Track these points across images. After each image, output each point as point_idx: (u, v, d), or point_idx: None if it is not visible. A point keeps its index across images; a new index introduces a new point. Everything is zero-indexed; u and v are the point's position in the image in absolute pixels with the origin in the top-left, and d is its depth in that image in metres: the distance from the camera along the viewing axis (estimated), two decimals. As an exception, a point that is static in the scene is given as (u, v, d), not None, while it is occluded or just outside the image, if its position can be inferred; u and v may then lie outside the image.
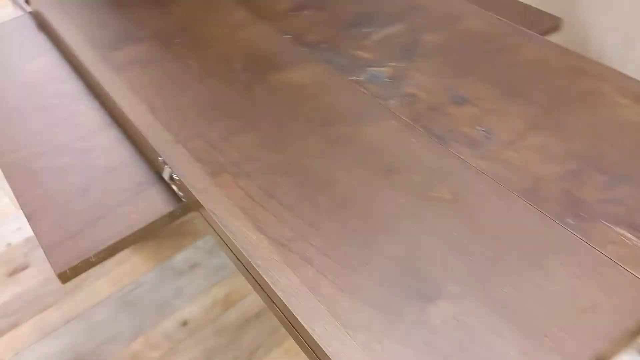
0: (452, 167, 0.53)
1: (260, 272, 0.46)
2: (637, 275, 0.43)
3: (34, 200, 0.63)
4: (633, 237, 0.46)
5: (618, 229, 0.47)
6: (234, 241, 0.49)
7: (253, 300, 1.40)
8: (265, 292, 0.47)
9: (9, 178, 0.66)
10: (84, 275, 0.68)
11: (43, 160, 0.67)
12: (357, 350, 0.40)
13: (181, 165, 0.57)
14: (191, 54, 0.72)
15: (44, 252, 0.57)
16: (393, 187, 0.52)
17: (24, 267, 1.56)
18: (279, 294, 0.44)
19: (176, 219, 0.60)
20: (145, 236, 0.59)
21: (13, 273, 1.53)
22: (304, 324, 0.42)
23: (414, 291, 0.44)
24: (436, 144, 0.56)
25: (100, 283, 1.47)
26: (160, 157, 0.59)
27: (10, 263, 1.56)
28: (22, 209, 0.62)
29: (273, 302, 0.46)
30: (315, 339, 0.41)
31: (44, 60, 0.83)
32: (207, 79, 0.67)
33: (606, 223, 0.47)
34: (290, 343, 1.30)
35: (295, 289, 0.45)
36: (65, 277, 0.55)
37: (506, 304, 0.42)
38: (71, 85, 0.78)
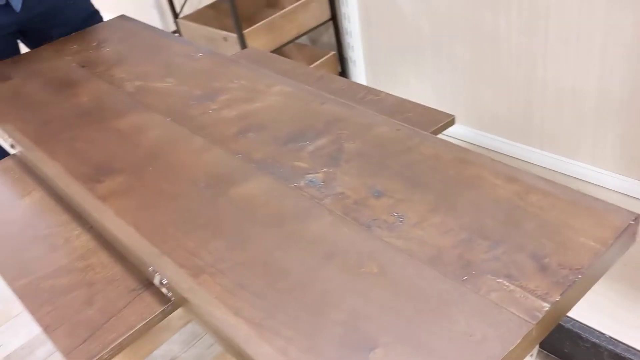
0: (376, 247, 0.70)
1: (242, 347, 0.61)
2: (514, 312, 0.61)
3: (47, 315, 0.76)
4: (510, 285, 0.64)
5: (499, 280, 0.64)
6: (218, 325, 0.64)
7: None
8: (247, 361, 0.62)
9: (22, 299, 0.79)
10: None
11: (50, 281, 0.81)
12: (319, 393, 0.56)
13: (168, 272, 0.73)
14: (163, 178, 0.89)
15: (64, 356, 0.71)
16: (333, 268, 0.69)
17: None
18: (257, 359, 0.60)
19: (167, 316, 0.75)
20: (144, 332, 0.74)
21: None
22: (278, 380, 0.57)
23: (357, 344, 0.60)
24: (363, 230, 0.73)
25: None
26: (150, 267, 0.74)
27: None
28: (38, 323, 0.76)
29: (254, 368, 0.61)
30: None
31: (34, 196, 0.99)
32: (179, 199, 0.84)
33: (490, 276, 0.65)
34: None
35: (270, 356, 0.60)
36: (83, 375, 0.68)
37: (425, 344, 0.59)
38: (62, 215, 0.93)
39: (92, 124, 1.05)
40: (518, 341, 0.58)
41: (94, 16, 1.50)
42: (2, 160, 1.11)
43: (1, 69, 1.31)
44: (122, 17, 1.49)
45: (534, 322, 0.59)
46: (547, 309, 0.60)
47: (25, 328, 1.75)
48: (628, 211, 0.68)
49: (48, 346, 1.69)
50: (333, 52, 2.06)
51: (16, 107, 1.16)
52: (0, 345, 1.72)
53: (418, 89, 1.93)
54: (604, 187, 1.60)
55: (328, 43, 2.17)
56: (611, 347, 1.23)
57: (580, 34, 1.43)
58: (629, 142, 1.50)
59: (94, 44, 1.37)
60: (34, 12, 1.35)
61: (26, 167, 1.07)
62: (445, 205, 0.75)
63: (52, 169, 0.95)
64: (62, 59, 1.32)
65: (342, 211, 0.77)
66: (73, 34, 1.43)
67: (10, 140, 1.08)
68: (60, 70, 1.27)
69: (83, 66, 1.27)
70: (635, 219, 0.67)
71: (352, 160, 0.85)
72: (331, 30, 2.09)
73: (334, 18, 2.03)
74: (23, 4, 1.30)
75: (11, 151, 1.12)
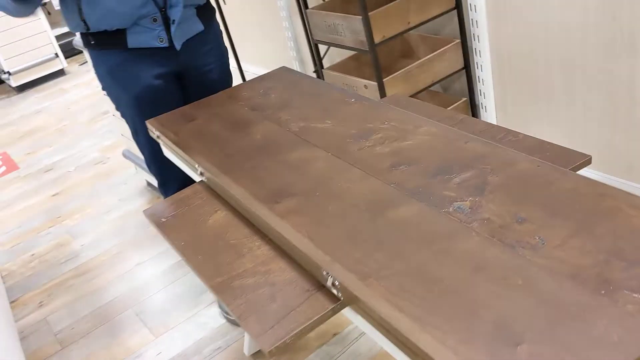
0: (520, 264, 0.81)
1: (407, 336, 0.75)
2: (649, 322, 0.69)
3: (239, 307, 0.95)
4: (645, 300, 0.72)
5: (635, 294, 0.73)
6: (384, 319, 0.78)
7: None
8: (410, 349, 0.75)
9: (218, 294, 0.98)
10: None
11: (239, 280, 1.00)
12: None
13: (339, 275, 0.88)
14: (329, 201, 1.06)
15: (255, 339, 0.88)
16: (482, 279, 0.81)
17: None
18: (420, 346, 0.72)
19: (337, 312, 0.90)
20: (316, 326, 0.89)
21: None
22: (439, 362, 0.70)
23: (505, 339, 0.71)
24: (508, 250, 0.85)
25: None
26: (324, 271, 0.90)
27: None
28: (233, 313, 0.94)
29: (416, 354, 0.74)
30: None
31: (220, 214, 1.20)
32: (344, 218, 1.00)
33: (626, 291, 0.74)
34: None
35: (431, 344, 0.73)
36: (271, 353, 0.85)
37: (565, 343, 0.69)
38: (245, 229, 1.13)
39: (266, 157, 1.26)
40: (653, 345, 0.66)
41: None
42: (192, 185, 1.34)
43: (187, 111, 1.58)
44: (284, 68, 1.73)
45: (669, 329, 0.67)
46: (681, 319, 0.68)
47: (181, 339, 2.00)
48: None
49: (202, 354, 1.92)
50: (465, 99, 2.19)
51: (202, 142, 1.40)
52: (159, 353, 1.97)
53: (551, 136, 1.99)
54: None
55: (460, 90, 2.30)
56: None
57: None
58: None
59: (261, 91, 1.61)
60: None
61: (212, 191, 1.30)
62: (584, 231, 0.84)
63: (237, 192, 1.16)
64: (236, 104, 1.56)
65: (489, 233, 0.89)
66: (242, 83, 1.68)
67: (200, 168, 1.31)
68: (235, 114, 1.51)
69: (254, 110, 1.50)
70: None
71: (495, 192, 0.97)
72: (463, 79, 2.22)
73: (467, 67, 2.16)
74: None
75: (197, 178, 1.36)
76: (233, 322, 2.00)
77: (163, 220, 1.24)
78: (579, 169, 1.14)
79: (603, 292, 0.74)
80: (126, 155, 2.96)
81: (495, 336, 0.72)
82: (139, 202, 2.94)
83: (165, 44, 1.52)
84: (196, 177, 1.38)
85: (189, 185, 1.56)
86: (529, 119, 2.05)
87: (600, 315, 0.71)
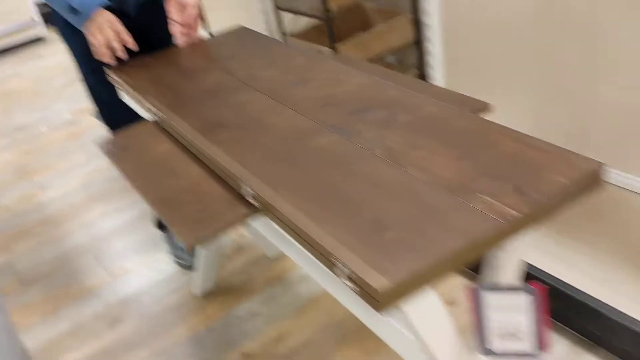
0: (407, 180, 0.96)
1: (305, 231, 0.89)
2: (492, 215, 0.83)
3: (172, 217, 1.08)
4: (493, 201, 0.87)
5: (486, 197, 0.88)
6: (289, 219, 0.92)
7: (299, 337, 1.78)
8: (307, 242, 0.89)
9: (155, 208, 1.11)
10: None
11: (174, 196, 1.13)
12: (349, 253, 0.82)
13: (256, 186, 1.02)
14: (260, 135, 1.19)
15: (182, 238, 1.01)
16: (375, 192, 0.95)
17: (119, 321, 2.00)
18: (312, 235, 0.87)
19: (253, 215, 1.04)
20: (234, 227, 1.03)
21: (112, 323, 1.97)
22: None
23: (378, 229, 0.86)
24: (400, 170, 0.99)
25: (180, 330, 1.89)
26: (244, 184, 1.04)
27: (107, 316, 2.01)
28: (165, 222, 1.07)
29: (311, 245, 0.88)
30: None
31: (167, 146, 1.33)
32: (268, 145, 1.14)
33: (479, 194, 0.88)
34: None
35: (323, 236, 0.87)
36: (192, 245, 0.98)
37: (422, 229, 0.83)
38: (184, 158, 1.26)
39: (212, 99, 1.39)
40: (491, 229, 0.81)
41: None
42: (144, 122, 1.47)
43: (145, 59, 1.70)
44: (242, 28, 1.86)
45: (504, 221, 0.82)
46: (516, 215, 0.83)
47: (136, 281, 2.12)
48: (595, 160, 0.90)
49: (156, 294, 2.05)
50: (416, 71, 2.34)
51: (156, 87, 1.52)
52: (115, 292, 2.09)
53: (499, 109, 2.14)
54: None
55: (413, 63, 2.45)
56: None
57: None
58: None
59: (217, 45, 1.74)
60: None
61: (161, 128, 1.42)
62: (467, 157, 0.99)
63: (180, 125, 1.29)
64: (192, 56, 1.69)
65: (388, 158, 1.03)
66: (200, 39, 1.81)
67: (153, 109, 1.43)
68: (190, 64, 1.63)
69: (208, 61, 1.63)
70: (600, 166, 0.89)
71: (402, 128, 1.11)
72: (416, 52, 2.36)
73: (419, 40, 2.31)
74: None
75: (149, 117, 1.48)
76: (185, 267, 2.13)
77: (114, 150, 1.37)
78: (479, 113, 1.29)
79: (462, 196, 0.89)
80: (96, 116, 3.06)
81: (371, 227, 0.87)
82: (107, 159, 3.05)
83: (115, 7, 1.65)
84: (149, 118, 1.50)
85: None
86: (478, 92, 2.20)
87: (455, 211, 0.86)
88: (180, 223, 1.06)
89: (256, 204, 1.04)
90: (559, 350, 1.56)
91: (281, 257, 2.10)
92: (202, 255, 1.91)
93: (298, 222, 0.91)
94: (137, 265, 2.21)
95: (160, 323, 1.91)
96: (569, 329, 1.61)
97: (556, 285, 1.53)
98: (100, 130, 3.36)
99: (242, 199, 1.09)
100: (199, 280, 1.98)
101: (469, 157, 0.99)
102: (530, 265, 1.60)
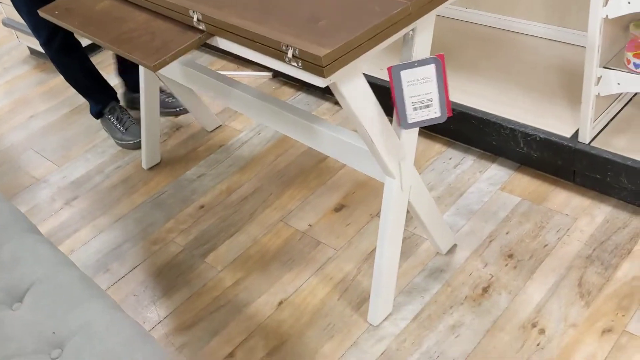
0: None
1: (253, 31, 1.07)
2: None
3: (129, 49, 1.22)
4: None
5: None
6: (238, 26, 1.10)
7: (247, 187, 1.99)
8: (254, 42, 1.08)
9: (112, 46, 1.25)
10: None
11: (125, 35, 1.27)
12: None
13: (203, 11, 1.18)
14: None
15: (142, 61, 1.17)
16: None
17: (75, 198, 2.12)
18: (259, 32, 1.05)
19: (202, 42, 1.21)
20: (188, 50, 1.19)
21: (68, 201, 2.10)
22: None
23: (311, 20, 1.05)
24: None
25: (136, 196, 2.06)
26: (191, 11, 1.20)
27: (62, 196, 2.13)
28: (123, 54, 1.22)
29: (258, 42, 1.07)
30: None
31: (106, 2, 1.44)
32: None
33: (396, -4, 1.09)
34: (276, 203, 1.89)
35: (263, 31, 1.05)
36: (155, 67, 1.14)
37: (352, 15, 1.04)
38: (127, 8, 1.38)
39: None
40: (400, 9, 1.03)
41: None
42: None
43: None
44: None
45: (409, 2, 1.04)
46: (421, -4, 1.05)
47: (83, 165, 2.24)
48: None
49: (104, 172, 2.18)
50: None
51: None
52: (64, 177, 2.21)
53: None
54: (534, 36, 2.03)
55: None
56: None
57: None
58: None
59: None
60: None
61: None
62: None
63: (119, -19, 1.41)
64: None
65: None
66: None
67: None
68: None
69: None
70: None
71: None
72: None
73: None
74: None
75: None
76: (128, 147, 2.27)
77: (56, 12, 1.47)
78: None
79: None
80: (6, 23, 3.01)
81: (307, 20, 1.06)
82: (24, 68, 3.04)
83: None
84: None
85: (59, 30, 1.81)
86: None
87: (373, 2, 1.07)
88: (139, 54, 1.21)
89: (205, 28, 1.20)
90: (467, 166, 1.86)
91: (219, 128, 2.27)
92: (144, 131, 2.05)
93: (247, 27, 1.09)
94: (80, 152, 2.32)
95: (114, 194, 2.06)
96: (474, 148, 1.92)
97: (463, 110, 1.80)
98: (12, 40, 3.30)
99: (190, 28, 1.24)
100: (144, 156, 2.13)
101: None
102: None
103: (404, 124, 1.18)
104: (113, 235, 1.90)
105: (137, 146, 2.24)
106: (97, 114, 2.32)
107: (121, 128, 2.26)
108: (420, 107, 1.15)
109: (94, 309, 1.06)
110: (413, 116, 1.16)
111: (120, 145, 2.28)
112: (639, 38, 1.46)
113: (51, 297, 1.10)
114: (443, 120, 1.16)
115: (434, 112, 1.16)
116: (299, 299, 1.58)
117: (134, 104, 2.43)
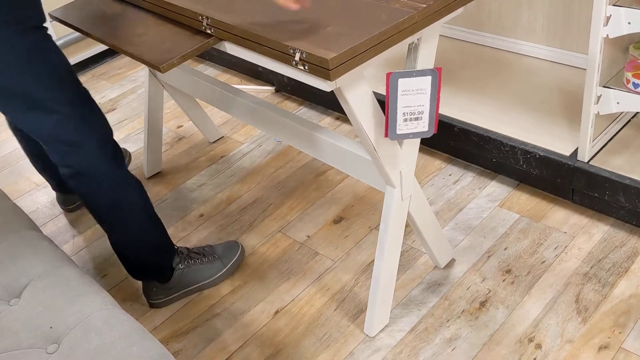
0: (376, 4, 1.17)
1: (262, 34, 1.09)
2: (405, 8, 1.07)
3: (138, 51, 1.24)
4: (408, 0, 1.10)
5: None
6: (248, 30, 1.12)
7: (247, 197, 2.00)
8: (266, 47, 1.10)
9: (121, 47, 1.27)
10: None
11: (135, 38, 1.29)
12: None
13: (212, 15, 1.20)
14: (205, -14, 1.36)
15: (152, 63, 1.18)
16: (330, 9, 1.16)
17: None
18: (270, 37, 1.07)
19: (209, 46, 1.23)
20: (195, 53, 1.21)
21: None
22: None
23: (317, 22, 1.07)
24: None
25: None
26: (200, 16, 1.22)
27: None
28: (134, 56, 1.24)
29: (267, 47, 1.09)
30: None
31: (118, 7, 1.47)
32: (217, -8, 1.31)
33: None
34: (276, 213, 1.90)
35: (272, 37, 1.08)
36: (164, 68, 1.16)
37: (358, 23, 1.06)
38: (138, 14, 1.41)
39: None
40: (406, 17, 1.05)
41: None
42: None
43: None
44: None
45: (415, 11, 1.06)
46: (424, 7, 1.07)
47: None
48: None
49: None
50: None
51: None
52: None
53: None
54: (536, 57, 2.06)
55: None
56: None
57: None
58: (553, 20, 1.95)
59: None
60: None
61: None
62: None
63: (130, -13, 1.44)
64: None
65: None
66: None
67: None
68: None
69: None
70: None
71: None
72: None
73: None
74: None
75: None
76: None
77: (66, 13, 1.49)
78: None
79: (384, 1, 1.12)
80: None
81: (314, 27, 1.08)
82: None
83: None
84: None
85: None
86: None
87: (379, 10, 1.09)
88: (148, 54, 1.23)
89: (214, 32, 1.22)
90: (467, 182, 1.88)
91: (221, 140, 2.29)
92: (146, 140, 2.06)
93: (255, 31, 1.11)
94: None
95: (114, 202, 2.07)
96: (474, 165, 1.93)
97: (464, 127, 1.82)
98: None
99: (199, 32, 1.27)
100: (145, 165, 2.14)
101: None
102: (442, 115, 1.88)
103: (391, 134, 1.19)
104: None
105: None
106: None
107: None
108: (410, 119, 1.16)
109: (92, 304, 1.06)
110: (402, 127, 1.17)
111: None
112: (638, 59, 1.49)
113: (49, 292, 1.10)
114: (429, 135, 1.17)
115: (422, 126, 1.17)
116: (295, 308, 1.58)
117: (68, 204, 2.07)
